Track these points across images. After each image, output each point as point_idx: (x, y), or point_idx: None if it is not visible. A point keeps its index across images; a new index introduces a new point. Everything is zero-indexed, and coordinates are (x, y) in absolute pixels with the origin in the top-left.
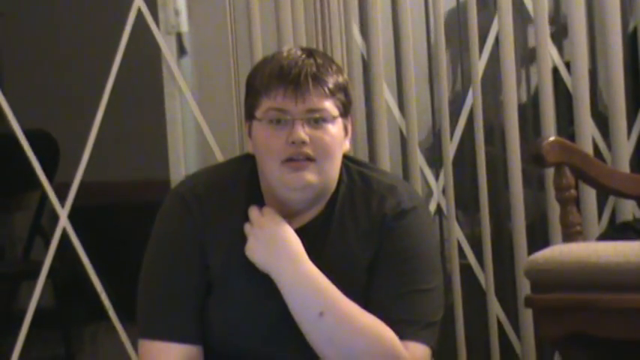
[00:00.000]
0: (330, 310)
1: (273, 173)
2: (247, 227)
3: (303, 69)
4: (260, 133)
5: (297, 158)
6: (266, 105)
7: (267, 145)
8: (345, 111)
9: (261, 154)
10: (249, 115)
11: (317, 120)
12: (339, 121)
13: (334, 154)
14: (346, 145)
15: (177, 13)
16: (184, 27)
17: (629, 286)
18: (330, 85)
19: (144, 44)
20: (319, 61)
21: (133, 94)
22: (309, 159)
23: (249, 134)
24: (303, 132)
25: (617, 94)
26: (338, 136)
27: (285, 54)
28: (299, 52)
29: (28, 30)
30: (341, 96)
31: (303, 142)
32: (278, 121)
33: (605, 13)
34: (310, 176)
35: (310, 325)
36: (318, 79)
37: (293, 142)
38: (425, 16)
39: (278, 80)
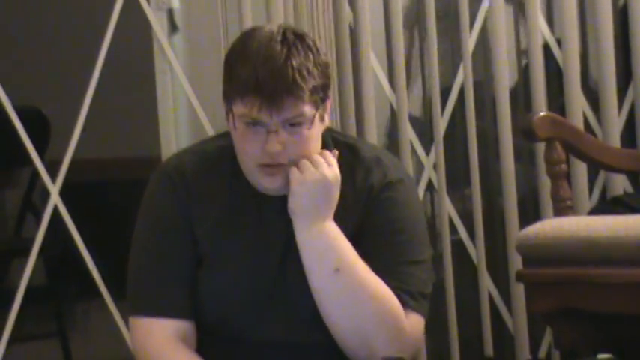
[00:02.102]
0: (346, 267)
1: (248, 171)
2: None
3: (279, 82)
4: (236, 130)
5: (272, 164)
6: (241, 110)
7: (243, 147)
8: (324, 97)
9: (238, 149)
10: (227, 101)
11: (293, 125)
12: (315, 115)
13: (311, 150)
14: (326, 122)
15: None
16: (175, 3)
17: (620, 261)
18: (308, 90)
19: (134, 20)
20: (297, 60)
21: (123, 71)
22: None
23: (227, 116)
24: (277, 143)
25: (608, 69)
26: (315, 132)
27: (262, 51)
28: (277, 48)
29: (18, 6)
30: (319, 94)
31: (273, 155)
32: (254, 124)
33: None
34: (284, 181)
35: (324, 280)
36: (294, 90)
37: (270, 155)
38: None
39: (253, 93)
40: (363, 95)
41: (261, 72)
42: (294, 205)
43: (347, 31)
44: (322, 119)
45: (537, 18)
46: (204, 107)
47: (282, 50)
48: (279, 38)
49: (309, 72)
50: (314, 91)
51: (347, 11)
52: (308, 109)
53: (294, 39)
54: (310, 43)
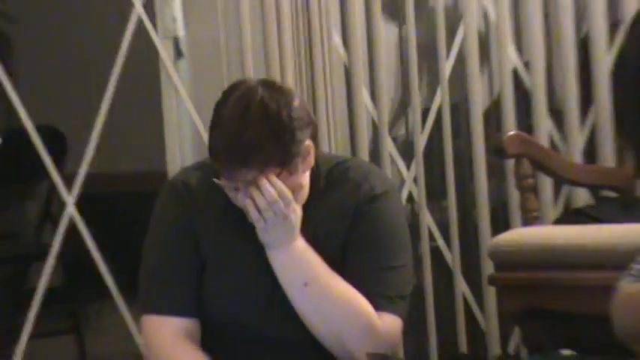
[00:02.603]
0: (313, 280)
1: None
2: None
3: (233, 156)
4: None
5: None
6: (218, 166)
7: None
8: (290, 154)
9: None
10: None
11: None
12: (282, 168)
13: (300, 190)
14: (309, 163)
15: (173, 19)
16: (180, 31)
17: (582, 266)
18: (278, 156)
19: (144, 47)
20: (250, 134)
21: (133, 93)
22: None
23: None
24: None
25: (571, 92)
26: (293, 179)
27: (227, 124)
28: (238, 123)
29: (39, 35)
30: (276, 157)
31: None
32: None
33: (559, 19)
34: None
35: (296, 294)
36: (244, 163)
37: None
38: (398, 22)
39: (227, 161)
40: (357, 122)
41: (221, 145)
42: (260, 238)
43: (342, 68)
44: (295, 170)
45: (507, 46)
46: (206, 126)
47: (238, 123)
48: (242, 107)
49: (259, 147)
50: (267, 161)
51: (342, 52)
52: (265, 174)
53: (257, 107)
54: (273, 108)
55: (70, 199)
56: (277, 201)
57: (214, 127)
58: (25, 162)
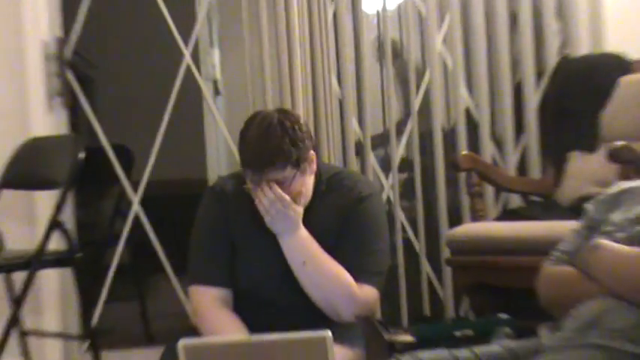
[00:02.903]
0: (309, 260)
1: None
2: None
3: (260, 160)
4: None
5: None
6: (250, 169)
7: (250, 187)
8: (300, 162)
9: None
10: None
11: (278, 182)
12: (296, 174)
13: (296, 192)
14: (313, 169)
15: (213, 66)
16: (218, 75)
17: (515, 252)
18: (282, 161)
19: (191, 86)
20: (274, 142)
21: (182, 119)
22: None
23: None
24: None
25: (508, 124)
26: (298, 182)
27: (252, 139)
28: (262, 136)
29: (113, 76)
30: (290, 162)
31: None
32: (253, 182)
33: (500, 68)
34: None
35: (297, 270)
36: (272, 164)
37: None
38: (379, 65)
39: (247, 167)
40: (347, 145)
41: (249, 154)
42: (269, 227)
43: (337, 102)
44: (304, 172)
45: (460, 88)
46: (236, 144)
47: (264, 136)
48: (265, 126)
49: (282, 151)
50: (287, 161)
51: (337, 89)
52: (285, 173)
53: (276, 124)
54: (288, 124)
55: (135, 198)
56: (275, 202)
57: (243, 143)
58: (103, 171)
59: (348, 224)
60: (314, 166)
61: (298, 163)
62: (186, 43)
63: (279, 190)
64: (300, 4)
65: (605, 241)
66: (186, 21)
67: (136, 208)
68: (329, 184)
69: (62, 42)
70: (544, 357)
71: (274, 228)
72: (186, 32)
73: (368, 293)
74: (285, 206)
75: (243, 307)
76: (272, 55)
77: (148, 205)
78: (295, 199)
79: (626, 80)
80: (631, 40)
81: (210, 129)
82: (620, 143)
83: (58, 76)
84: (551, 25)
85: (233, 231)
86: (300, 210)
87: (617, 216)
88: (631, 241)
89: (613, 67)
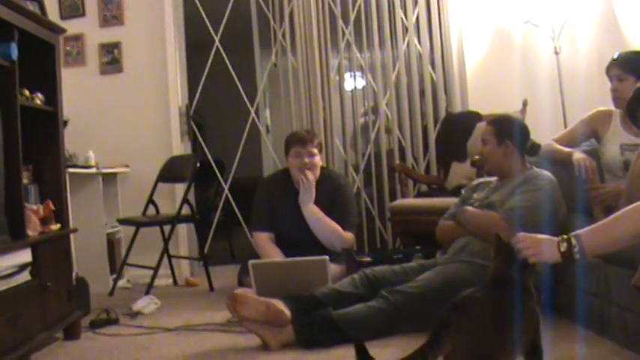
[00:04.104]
0: (318, 219)
1: (293, 173)
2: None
3: (305, 139)
4: (290, 157)
5: (305, 168)
6: (293, 150)
7: (293, 162)
8: (320, 151)
9: (290, 165)
10: (287, 152)
11: (312, 155)
12: (319, 155)
13: (318, 167)
14: (322, 158)
15: (266, 118)
16: (269, 122)
17: (424, 214)
18: (315, 143)
19: (254, 128)
20: (310, 135)
21: (250, 147)
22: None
23: (286, 154)
24: (307, 160)
25: (419, 147)
26: (319, 161)
27: (298, 133)
28: (304, 132)
29: (214, 123)
30: (319, 147)
31: (306, 164)
32: (297, 154)
33: (415, 118)
34: (310, 175)
35: (312, 223)
36: (311, 142)
37: (304, 164)
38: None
39: (297, 142)
40: (331, 156)
41: (298, 135)
42: (300, 199)
43: (322, 123)
44: (321, 154)
45: (395, 129)
46: (279, 157)
47: (305, 130)
48: (304, 131)
49: (315, 138)
50: (317, 145)
51: (321, 116)
52: (316, 150)
53: (310, 130)
54: (311, 131)
55: (225, 187)
56: (307, 184)
57: (292, 135)
58: (209, 172)
59: (335, 199)
60: (323, 157)
61: (320, 148)
62: (252, 104)
63: (312, 178)
64: (314, 82)
65: (469, 207)
66: (252, 92)
67: (226, 192)
68: (322, 177)
69: (188, 106)
70: (437, 268)
71: (301, 198)
72: (251, 99)
73: (349, 236)
74: (310, 187)
75: (280, 243)
76: (296, 111)
77: (232, 190)
78: (314, 170)
79: (479, 125)
80: (484, 100)
81: (265, 150)
82: (476, 157)
83: (186, 123)
84: (442, 95)
85: (274, 201)
86: (314, 192)
87: (477, 195)
88: (481, 208)
89: (473, 117)
